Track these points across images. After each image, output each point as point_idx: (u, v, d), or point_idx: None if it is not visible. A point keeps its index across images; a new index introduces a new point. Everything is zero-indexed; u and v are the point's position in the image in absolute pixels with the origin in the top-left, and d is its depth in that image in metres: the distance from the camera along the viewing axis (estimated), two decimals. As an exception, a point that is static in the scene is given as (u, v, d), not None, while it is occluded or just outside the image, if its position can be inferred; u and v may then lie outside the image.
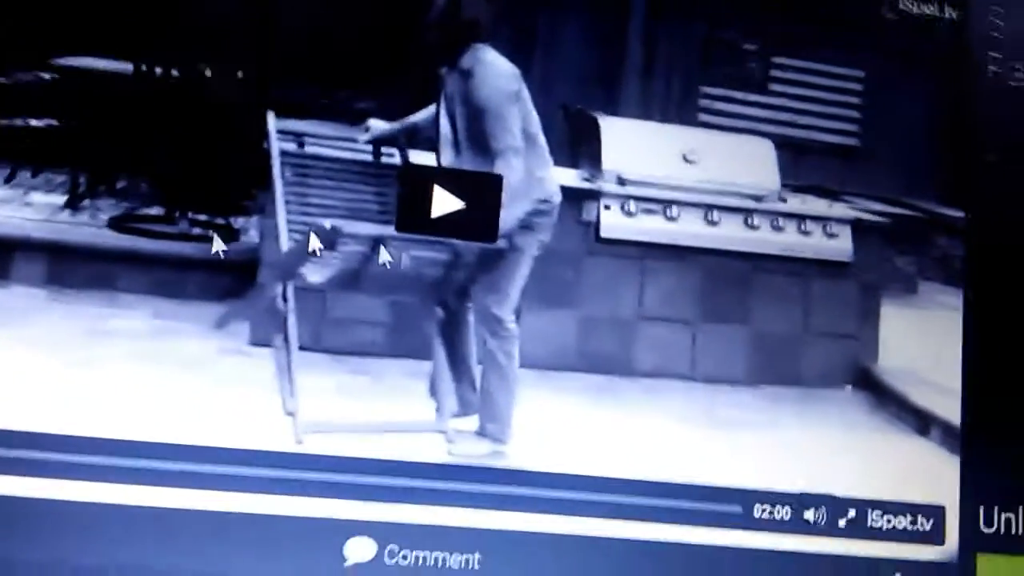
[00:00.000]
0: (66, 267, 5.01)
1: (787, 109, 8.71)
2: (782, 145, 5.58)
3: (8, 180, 6.12)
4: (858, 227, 5.22)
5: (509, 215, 3.61)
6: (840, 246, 5.13)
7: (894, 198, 7.86)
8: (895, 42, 9.42)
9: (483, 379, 3.79)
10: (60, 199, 5.95)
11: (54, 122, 5.69)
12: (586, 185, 5.01)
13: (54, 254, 5.03)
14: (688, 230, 4.97)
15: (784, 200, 5.22)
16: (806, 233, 5.11)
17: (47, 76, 5.70)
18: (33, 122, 5.79)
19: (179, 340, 4.37)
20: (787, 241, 5.08)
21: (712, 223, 5.01)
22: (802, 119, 8.88)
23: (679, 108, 8.76)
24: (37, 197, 6.00)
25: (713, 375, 4.98)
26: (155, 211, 5.64)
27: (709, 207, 5.02)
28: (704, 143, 5.26)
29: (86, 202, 5.86)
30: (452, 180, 3.51)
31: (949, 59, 9.83)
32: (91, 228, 5.41)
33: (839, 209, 5.39)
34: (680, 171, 5.10)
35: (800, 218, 5.14)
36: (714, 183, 5.09)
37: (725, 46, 8.61)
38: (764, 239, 5.04)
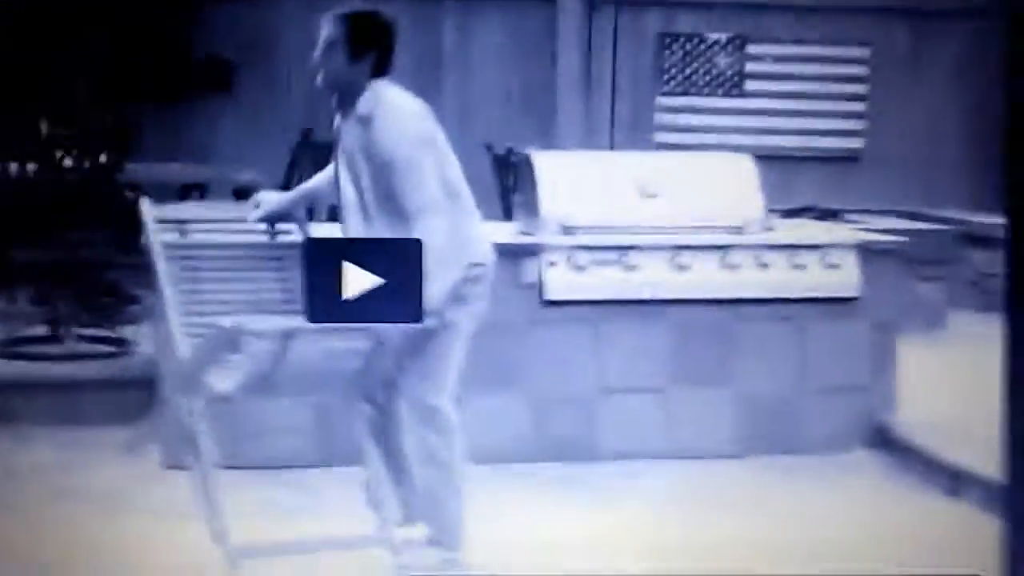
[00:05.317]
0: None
1: (769, 112, 7.44)
2: (765, 159, 4.86)
3: None
4: (867, 252, 4.49)
5: (435, 287, 3.11)
6: (844, 278, 4.43)
7: (912, 210, 6.99)
8: (909, 3, 7.75)
9: (425, 480, 3.32)
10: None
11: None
12: (524, 240, 4.40)
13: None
14: (651, 280, 4.34)
15: (771, 228, 4.56)
16: (800, 267, 4.41)
17: None
18: None
19: (89, 472, 4.12)
20: (775, 279, 4.40)
21: (681, 268, 4.35)
22: (790, 122, 7.57)
23: (631, 127, 7.30)
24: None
25: (694, 449, 4.37)
26: (39, 331, 5.20)
27: (676, 248, 4.34)
28: (665, 169, 4.60)
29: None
30: (364, 252, 3.09)
31: (987, 16, 7.99)
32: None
33: (841, 232, 4.74)
34: (637, 209, 4.44)
35: (791, 248, 4.42)
36: (681, 218, 4.43)
37: (685, 40, 7.27)
38: (746, 280, 4.39)
